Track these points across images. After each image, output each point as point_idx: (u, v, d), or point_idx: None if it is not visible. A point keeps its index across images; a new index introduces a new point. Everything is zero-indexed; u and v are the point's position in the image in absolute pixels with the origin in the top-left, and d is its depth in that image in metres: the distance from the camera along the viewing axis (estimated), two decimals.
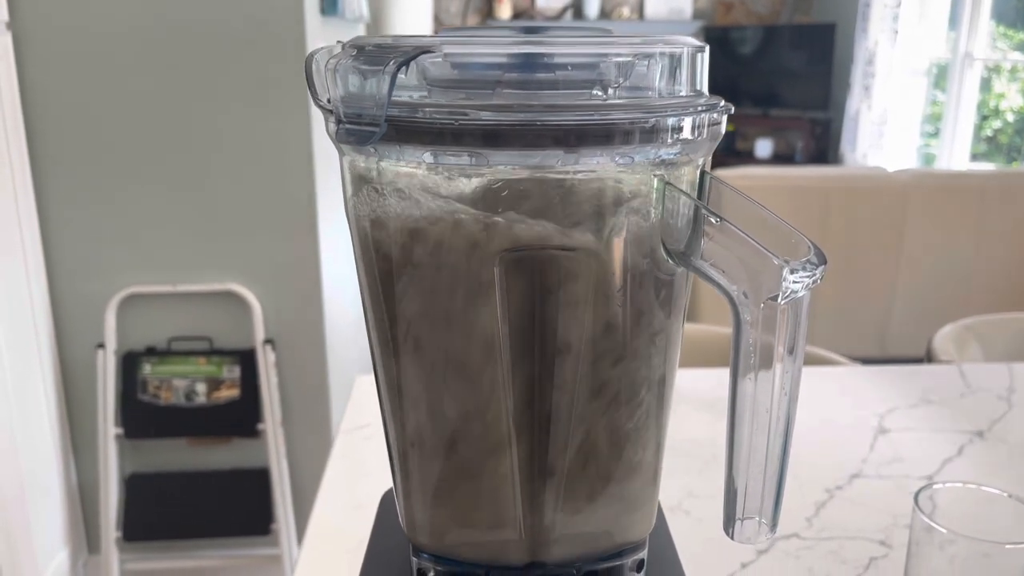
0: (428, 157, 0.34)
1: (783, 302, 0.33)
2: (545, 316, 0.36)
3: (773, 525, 0.37)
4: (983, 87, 4.21)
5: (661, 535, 0.46)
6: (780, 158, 4.85)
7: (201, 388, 1.86)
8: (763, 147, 4.86)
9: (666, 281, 0.37)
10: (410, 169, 0.35)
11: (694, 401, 1.05)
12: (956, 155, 4.14)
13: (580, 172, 0.34)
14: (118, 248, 1.81)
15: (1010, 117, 4.35)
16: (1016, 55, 4.32)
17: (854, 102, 4.29)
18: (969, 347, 1.30)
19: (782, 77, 4.95)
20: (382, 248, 0.37)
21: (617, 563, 0.41)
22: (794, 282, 0.32)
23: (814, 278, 0.33)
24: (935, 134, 4.39)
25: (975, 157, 4.27)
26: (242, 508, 1.92)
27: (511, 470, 0.38)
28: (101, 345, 1.82)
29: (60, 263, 1.81)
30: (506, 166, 0.33)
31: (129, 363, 1.85)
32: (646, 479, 0.41)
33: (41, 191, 1.76)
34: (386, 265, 0.37)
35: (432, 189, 0.35)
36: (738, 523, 0.37)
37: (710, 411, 1.02)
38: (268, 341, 1.85)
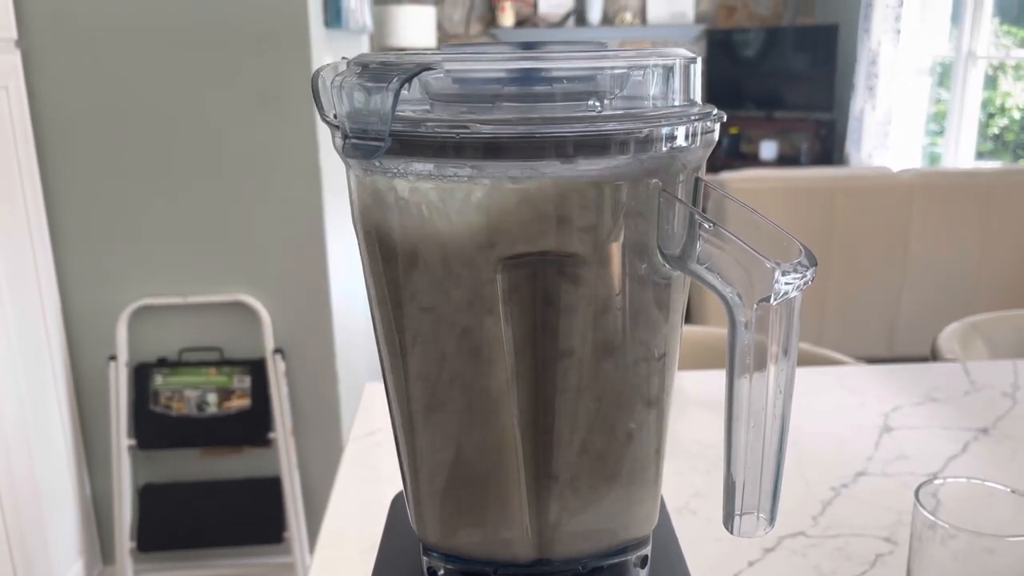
0: (431, 169, 0.35)
1: (775, 303, 0.34)
2: (547, 321, 0.37)
3: (771, 519, 0.38)
4: (989, 85, 4.21)
5: (665, 532, 0.48)
6: (785, 160, 4.85)
7: (212, 398, 1.87)
8: (768, 149, 4.86)
9: (663, 285, 0.39)
10: (414, 182, 0.36)
11: (701, 402, 1.06)
12: (961, 153, 4.13)
13: (578, 181, 0.35)
14: (128, 261, 1.83)
15: (1016, 115, 4.35)
16: (1020, 52, 4.31)
17: (858, 102, 4.29)
18: (974, 345, 1.31)
19: (786, 79, 4.96)
20: (388, 258, 0.38)
21: (622, 559, 0.42)
22: (786, 283, 0.33)
23: (805, 279, 0.34)
24: (940, 133, 4.38)
25: (981, 155, 4.27)
26: (255, 517, 1.94)
27: (517, 471, 0.40)
28: (113, 357, 1.84)
29: (71, 277, 1.83)
30: (506, 177, 0.35)
31: (141, 374, 1.87)
32: (648, 477, 0.42)
33: (52, 206, 1.78)
34: (392, 275, 0.39)
35: (436, 200, 0.36)
36: (737, 518, 0.38)
37: (716, 412, 1.03)
38: (278, 351, 1.87)
